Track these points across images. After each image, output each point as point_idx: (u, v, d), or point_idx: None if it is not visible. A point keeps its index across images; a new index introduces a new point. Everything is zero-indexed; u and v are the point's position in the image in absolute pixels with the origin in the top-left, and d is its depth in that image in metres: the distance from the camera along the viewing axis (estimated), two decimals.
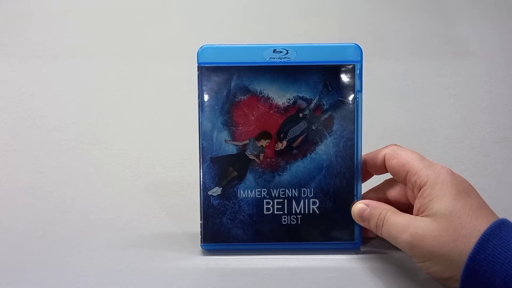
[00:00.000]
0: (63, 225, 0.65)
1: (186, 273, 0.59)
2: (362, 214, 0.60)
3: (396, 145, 0.61)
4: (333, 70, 0.60)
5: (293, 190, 0.61)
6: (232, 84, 0.60)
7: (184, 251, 0.61)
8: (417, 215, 0.56)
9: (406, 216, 0.57)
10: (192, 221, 0.64)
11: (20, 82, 0.82)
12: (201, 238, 0.61)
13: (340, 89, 0.60)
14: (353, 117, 0.60)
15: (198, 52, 0.60)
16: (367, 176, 0.63)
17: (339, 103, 0.60)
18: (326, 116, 0.60)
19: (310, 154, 0.60)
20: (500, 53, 0.87)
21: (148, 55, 0.86)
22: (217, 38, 0.89)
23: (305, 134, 0.60)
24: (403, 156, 0.59)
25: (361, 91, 0.60)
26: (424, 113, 0.79)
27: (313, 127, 0.60)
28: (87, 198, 0.68)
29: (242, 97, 0.60)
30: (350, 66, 0.60)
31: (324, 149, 0.60)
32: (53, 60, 0.85)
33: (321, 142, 0.60)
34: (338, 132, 0.60)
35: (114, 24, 0.91)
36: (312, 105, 0.60)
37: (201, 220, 0.61)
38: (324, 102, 0.60)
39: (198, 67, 0.60)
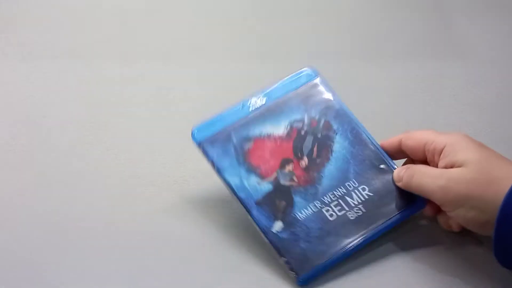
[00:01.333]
0: (63, 225, 0.65)
1: None
2: (399, 173, 0.62)
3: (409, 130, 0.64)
4: (304, 91, 0.67)
5: (339, 189, 0.63)
6: (234, 140, 0.64)
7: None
8: None
9: (438, 169, 0.59)
10: (190, 220, 0.64)
11: (20, 82, 0.82)
12: (295, 273, 0.59)
13: (319, 100, 0.66)
14: (343, 111, 0.66)
15: (192, 134, 0.64)
16: None
17: (326, 109, 0.66)
18: (322, 123, 0.65)
19: (331, 155, 0.64)
20: (500, 53, 0.86)
21: (148, 55, 0.86)
22: (217, 38, 0.89)
23: (317, 143, 0.64)
24: (419, 134, 0.62)
25: (334, 92, 0.67)
26: (424, 113, 0.78)
27: (319, 136, 0.65)
28: (87, 198, 0.68)
29: (249, 144, 0.64)
30: (314, 82, 0.67)
31: (339, 145, 0.65)
32: (53, 60, 0.85)
33: (333, 142, 0.65)
34: (340, 128, 0.65)
35: (114, 24, 0.91)
36: (306, 121, 0.65)
37: (284, 258, 0.60)
38: (313, 114, 0.66)
39: (198, 146, 0.64)
